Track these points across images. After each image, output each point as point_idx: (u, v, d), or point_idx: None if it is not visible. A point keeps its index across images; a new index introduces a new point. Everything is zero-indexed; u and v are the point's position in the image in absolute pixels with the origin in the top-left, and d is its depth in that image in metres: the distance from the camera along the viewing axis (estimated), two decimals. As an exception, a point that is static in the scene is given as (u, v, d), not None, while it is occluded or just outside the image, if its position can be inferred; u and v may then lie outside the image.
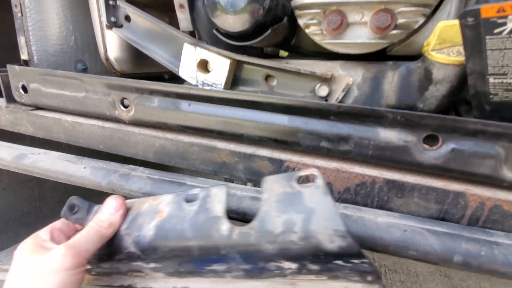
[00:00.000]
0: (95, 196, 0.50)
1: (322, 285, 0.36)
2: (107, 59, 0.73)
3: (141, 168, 0.57)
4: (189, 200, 0.39)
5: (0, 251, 1.07)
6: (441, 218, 0.43)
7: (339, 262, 0.32)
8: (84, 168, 0.57)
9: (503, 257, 0.36)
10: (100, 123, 0.61)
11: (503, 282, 1.60)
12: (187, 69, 0.59)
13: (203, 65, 0.59)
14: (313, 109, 0.45)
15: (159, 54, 0.65)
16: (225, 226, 0.36)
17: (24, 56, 0.67)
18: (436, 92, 0.48)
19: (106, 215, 0.39)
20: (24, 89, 0.67)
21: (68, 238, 0.40)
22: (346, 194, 0.47)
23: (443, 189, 0.42)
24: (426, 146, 0.42)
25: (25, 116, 0.68)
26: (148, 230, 0.40)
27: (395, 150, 0.43)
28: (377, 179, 0.45)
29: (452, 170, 0.42)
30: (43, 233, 0.38)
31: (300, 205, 0.33)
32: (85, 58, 0.82)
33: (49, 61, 0.74)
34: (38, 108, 0.69)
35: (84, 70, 0.82)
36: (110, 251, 0.42)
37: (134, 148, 0.59)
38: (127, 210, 0.42)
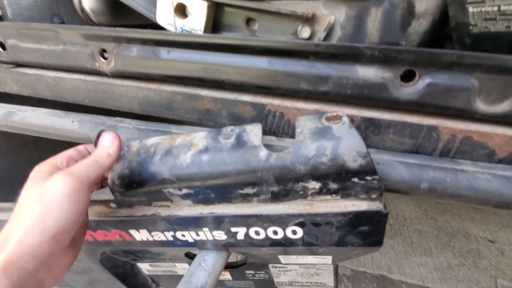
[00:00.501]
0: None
1: (334, 204, 0.42)
2: (82, 10, 0.69)
3: (128, 120, 0.58)
4: (223, 135, 0.43)
5: (10, 210, 1.14)
6: (415, 152, 0.45)
7: (355, 179, 0.38)
8: (72, 122, 0.58)
9: (466, 182, 0.39)
10: (82, 77, 0.61)
11: (484, 222, 1.71)
12: (164, 15, 0.57)
13: (181, 10, 0.56)
14: (292, 49, 0.45)
15: (134, 0, 0.62)
16: (263, 152, 0.40)
17: (-5, 9, 0.64)
18: (419, 27, 0.47)
19: (103, 147, 0.41)
20: (2, 46, 0.65)
21: None
22: (325, 134, 0.48)
23: (417, 124, 0.44)
24: (403, 83, 0.43)
25: (8, 75, 0.68)
26: (184, 159, 0.43)
27: (372, 88, 0.44)
28: (355, 118, 0.46)
29: (427, 104, 0.43)
30: (60, 162, 0.38)
31: (330, 135, 0.39)
32: (61, 11, 0.78)
33: (23, 15, 0.70)
34: (20, 65, 0.68)
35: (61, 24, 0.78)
36: (141, 179, 0.44)
37: (119, 101, 0.59)
38: (121, 149, 0.44)
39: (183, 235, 0.52)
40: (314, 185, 0.40)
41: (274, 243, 0.49)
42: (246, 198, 0.44)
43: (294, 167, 0.39)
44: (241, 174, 0.41)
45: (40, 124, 0.59)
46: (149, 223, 0.50)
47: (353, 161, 0.37)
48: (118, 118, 0.58)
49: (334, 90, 0.45)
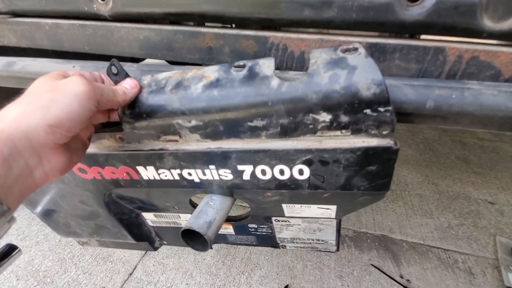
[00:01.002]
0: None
1: (343, 140, 0.41)
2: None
3: (129, 64, 0.57)
4: (236, 68, 0.43)
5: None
6: (421, 77, 0.45)
7: (368, 111, 0.37)
8: (74, 67, 0.57)
9: (472, 98, 0.39)
10: (80, 22, 0.60)
11: (485, 185, 1.73)
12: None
13: None
14: (295, -28, 0.43)
15: None
16: (275, 81, 0.40)
17: (-16, -48, 0.61)
18: None
19: (122, 86, 0.43)
20: (-5, -7, 0.63)
21: None
22: (330, 64, 0.48)
23: (423, 46, 0.43)
24: (410, 2, 0.41)
25: (5, 26, 0.66)
26: (195, 89, 0.43)
27: (379, 9, 0.42)
28: (360, 44, 0.45)
29: (434, 24, 0.42)
30: (71, 74, 0.38)
31: (345, 64, 0.38)
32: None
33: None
34: (17, 15, 0.66)
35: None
36: (151, 109, 0.44)
37: (120, 45, 0.59)
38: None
39: (189, 174, 0.52)
40: (325, 117, 0.39)
41: (280, 185, 0.49)
42: (254, 132, 0.44)
43: (306, 96, 0.38)
44: (252, 104, 0.40)
45: (41, 71, 0.59)
46: (156, 159, 0.50)
47: (367, 89, 0.36)
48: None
49: (339, 15, 0.44)
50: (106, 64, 0.58)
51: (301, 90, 0.39)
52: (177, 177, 0.54)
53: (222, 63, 0.54)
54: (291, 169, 0.47)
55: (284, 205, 0.59)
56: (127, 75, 0.48)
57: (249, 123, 0.43)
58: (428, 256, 1.29)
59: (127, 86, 0.44)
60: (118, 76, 0.47)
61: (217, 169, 0.50)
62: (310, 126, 0.42)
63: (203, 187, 0.55)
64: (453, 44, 0.42)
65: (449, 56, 0.42)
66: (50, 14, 0.62)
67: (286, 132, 0.43)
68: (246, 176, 0.50)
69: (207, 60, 0.54)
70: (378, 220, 1.49)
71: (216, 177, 0.52)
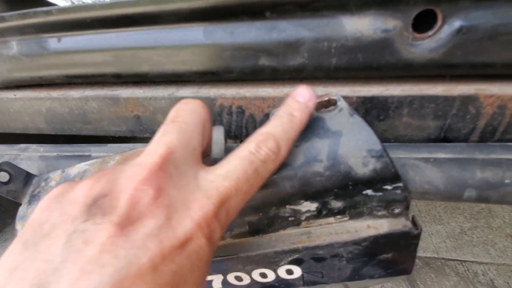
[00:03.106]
0: None
1: (341, 228, 0.31)
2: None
3: (34, 146, 0.41)
4: None
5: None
6: (442, 138, 0.30)
7: (369, 191, 0.27)
8: (-43, 160, 0.41)
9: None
10: (-39, 94, 0.43)
11: None
12: (49, -15, 0.38)
13: (74, -26, 0.38)
14: (237, 5, 0.28)
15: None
16: None
17: None
18: None
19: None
20: None
21: None
22: (308, 130, 0.33)
23: (444, 96, 0.28)
24: (418, 34, 0.27)
25: None
26: None
27: (370, 49, 0.28)
28: (349, 100, 0.30)
29: (458, 64, 0.27)
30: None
31: (323, 129, 0.27)
32: None
33: None
34: None
35: None
36: None
37: (20, 121, 0.42)
38: None
39: None
40: (309, 206, 0.28)
41: (265, 287, 0.36)
42: None
43: (276, 186, 0.27)
44: None
45: None
46: None
47: (362, 166, 0.26)
48: (22, 146, 0.42)
49: (311, 61, 0.29)
50: (4, 149, 0.42)
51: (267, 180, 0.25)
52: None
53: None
54: (275, 271, 0.34)
55: None
56: (29, 177, 0.33)
57: None
58: (445, 272, 1.17)
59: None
60: (13, 184, 0.32)
61: None
62: (290, 219, 0.29)
63: None
64: (492, 87, 0.27)
65: (484, 106, 0.28)
66: None
67: (258, 230, 0.30)
68: (217, 285, 0.36)
69: (139, 132, 0.39)
70: (385, 235, 1.36)
71: None
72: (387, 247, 0.30)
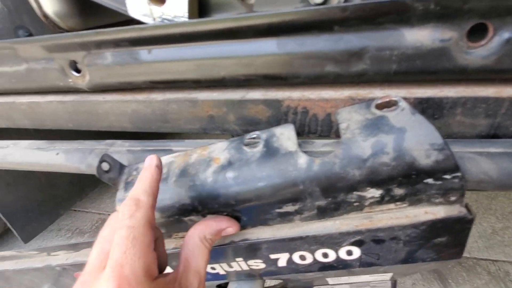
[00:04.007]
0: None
1: (400, 213, 0.34)
2: (45, 16, 0.58)
3: (120, 142, 0.48)
4: (248, 144, 0.36)
5: (29, 240, 1.11)
6: (492, 135, 0.34)
7: (430, 180, 0.30)
8: (57, 154, 0.49)
9: None
10: (58, 97, 0.51)
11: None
12: (136, 5, 0.45)
13: (156, -5, 0.44)
14: (308, 21, 0.33)
15: (99, -8, 0.50)
16: (302, 159, 0.32)
17: None
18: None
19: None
20: (-38, 74, 0.55)
21: None
22: (366, 127, 0.37)
23: (495, 97, 0.32)
24: (472, 43, 0.30)
25: (-21, 107, 0.59)
26: (205, 178, 0.35)
27: (428, 56, 0.32)
28: (406, 100, 0.34)
29: (508, 69, 0.31)
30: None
31: (388, 126, 0.31)
32: (25, 22, 0.67)
33: (-19, 34, 0.60)
34: (-12, 94, 0.58)
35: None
36: (157, 209, 0.36)
37: (106, 120, 0.50)
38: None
39: (213, 268, 0.44)
40: (374, 193, 0.32)
41: (324, 267, 0.40)
42: (286, 217, 0.36)
43: (346, 173, 0.31)
44: (277, 189, 0.33)
45: (23, 161, 0.51)
46: (171, 258, 0.42)
47: (425, 157, 0.29)
48: (109, 141, 0.49)
49: (373, 67, 0.34)
50: (92, 144, 0.50)
51: (338, 168, 0.31)
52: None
53: (229, 131, 0.45)
54: (337, 251, 0.38)
55: (329, 278, 0.50)
56: (122, 167, 0.40)
57: (278, 210, 0.35)
58: (476, 271, 1.16)
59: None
60: (112, 173, 0.39)
61: (245, 260, 0.41)
62: (355, 204, 0.33)
63: (229, 277, 0.46)
64: (539, 90, 0.31)
65: (533, 106, 0.31)
66: (24, 91, 0.54)
67: (325, 213, 0.35)
68: (282, 263, 0.42)
69: (211, 130, 0.45)
70: (414, 233, 1.36)
71: (246, 268, 0.43)
72: (442, 231, 0.33)
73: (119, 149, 0.47)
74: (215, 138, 0.44)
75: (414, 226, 0.33)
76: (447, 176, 0.29)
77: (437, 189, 0.30)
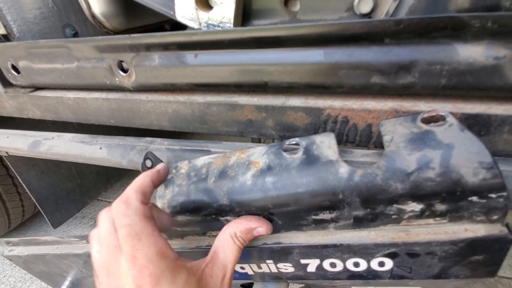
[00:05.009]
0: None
1: (439, 229, 0.34)
2: (93, 16, 0.61)
3: (159, 140, 0.51)
4: (287, 150, 0.37)
5: (57, 226, 1.17)
6: (543, 154, 0.33)
7: (474, 198, 0.30)
8: (100, 148, 0.52)
9: None
10: (103, 95, 0.54)
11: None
12: (184, 10, 0.47)
13: (203, 1, 0.46)
14: (359, 33, 0.33)
15: (148, -3, 0.52)
16: (343, 168, 0.33)
17: (1, 30, 0.58)
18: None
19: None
20: (15, 69, 0.59)
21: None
22: (408, 140, 0.37)
23: (548, 116, 0.31)
24: (528, 60, 0.30)
25: (28, 100, 0.63)
26: (244, 181, 0.36)
27: (480, 73, 0.31)
28: (454, 115, 0.34)
29: None
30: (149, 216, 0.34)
31: (435, 141, 0.31)
32: (72, 21, 0.71)
33: (32, 31, 0.64)
34: (38, 88, 0.62)
35: (75, 36, 0.72)
36: (194, 206, 0.39)
37: (147, 118, 0.52)
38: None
39: (242, 268, 0.45)
40: (414, 207, 0.32)
41: (354, 276, 0.41)
42: (321, 224, 0.37)
43: (388, 186, 0.31)
44: (316, 196, 0.34)
45: (68, 153, 0.54)
46: (202, 256, 0.43)
47: (473, 175, 0.29)
48: (149, 139, 0.51)
49: (421, 81, 0.34)
50: (133, 141, 0.52)
51: (380, 180, 0.31)
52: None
53: (266, 136, 0.46)
54: (368, 262, 0.38)
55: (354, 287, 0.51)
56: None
57: (314, 217, 0.35)
58: (500, 290, 1.12)
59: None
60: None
61: (275, 263, 0.42)
62: (393, 217, 0.33)
63: (254, 278, 0.48)
64: None
65: None
66: (72, 87, 0.57)
67: (360, 223, 0.35)
68: (311, 269, 0.42)
69: (247, 134, 0.46)
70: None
71: (274, 270, 0.44)
72: (480, 249, 0.33)
73: (159, 147, 0.49)
74: (246, 141, 0.45)
75: (453, 242, 0.33)
76: (493, 195, 0.29)
77: (481, 207, 0.30)
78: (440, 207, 0.31)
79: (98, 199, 1.73)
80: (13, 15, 0.60)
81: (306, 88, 0.40)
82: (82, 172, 1.26)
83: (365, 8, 0.40)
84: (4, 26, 0.57)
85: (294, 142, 0.37)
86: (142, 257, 0.26)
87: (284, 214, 0.36)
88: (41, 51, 0.54)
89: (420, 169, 0.30)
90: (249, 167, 0.37)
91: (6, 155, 0.68)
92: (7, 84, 0.62)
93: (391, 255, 0.37)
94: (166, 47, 0.44)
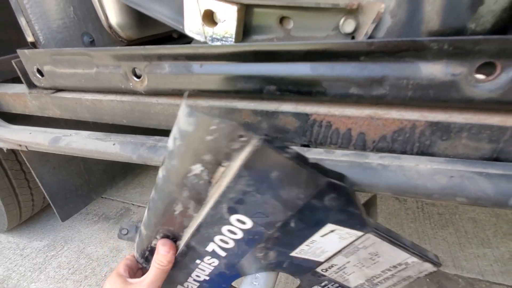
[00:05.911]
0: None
1: None
2: (110, 26, 0.69)
3: (166, 138, 0.57)
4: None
5: (66, 219, 1.23)
6: (494, 158, 0.38)
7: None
8: (114, 144, 0.58)
9: None
10: (118, 97, 0.61)
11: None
12: (192, 25, 0.54)
13: (209, 17, 0.53)
14: (339, 51, 0.39)
15: (160, 12, 0.59)
16: None
17: (30, 38, 0.65)
18: (495, 5, 0.39)
19: (162, 255, 0.44)
20: (40, 72, 0.66)
21: (137, 271, 0.48)
22: (382, 143, 0.43)
23: (498, 126, 0.37)
24: (480, 77, 0.36)
25: (49, 100, 0.70)
26: None
27: (440, 87, 0.37)
28: (418, 123, 0.40)
29: (512, 102, 0.35)
30: (123, 271, 0.45)
31: None
32: (89, 30, 0.78)
33: (55, 38, 0.72)
34: (59, 90, 0.69)
35: (92, 43, 0.79)
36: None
37: (156, 119, 0.58)
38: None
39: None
40: None
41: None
42: None
43: None
44: None
45: (84, 148, 0.61)
46: None
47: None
48: (157, 137, 0.58)
49: (391, 93, 0.40)
50: (143, 139, 0.58)
51: None
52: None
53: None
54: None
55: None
56: (137, 228, 0.52)
57: None
58: (490, 295, 1.15)
59: (165, 252, 0.43)
60: (129, 234, 0.51)
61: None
62: None
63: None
64: (539, 122, 0.35)
65: (533, 136, 0.36)
66: (90, 90, 0.64)
67: None
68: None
69: (244, 134, 0.52)
70: (427, 250, 1.36)
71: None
72: None
73: (165, 145, 0.55)
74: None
75: None
76: None
77: None
78: None
79: (102, 197, 1.80)
80: (40, 25, 0.67)
81: (296, 96, 0.46)
82: (90, 169, 1.33)
83: (348, 28, 0.46)
84: (32, 35, 0.64)
85: None
86: None
87: None
88: (64, 57, 0.61)
89: None
90: None
91: (25, 149, 0.75)
92: (31, 85, 0.69)
93: None
94: (175, 57, 0.50)
